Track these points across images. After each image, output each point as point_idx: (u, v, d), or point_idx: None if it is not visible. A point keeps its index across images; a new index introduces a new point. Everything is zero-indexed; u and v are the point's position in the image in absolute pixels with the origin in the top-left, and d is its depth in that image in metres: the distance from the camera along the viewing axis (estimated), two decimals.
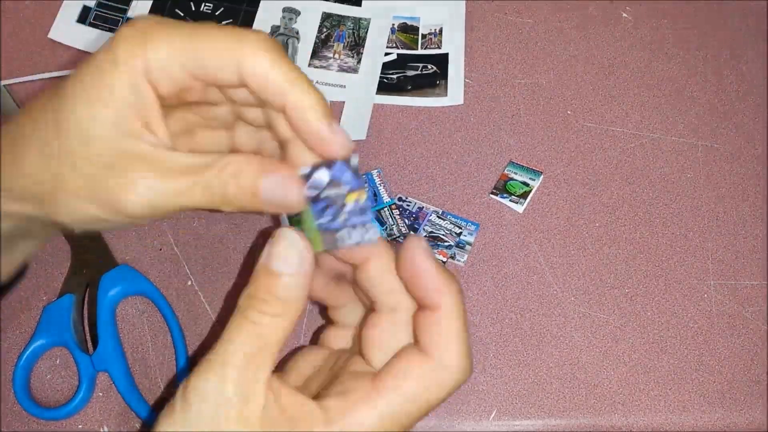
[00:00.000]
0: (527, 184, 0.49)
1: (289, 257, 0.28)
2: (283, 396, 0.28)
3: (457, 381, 0.28)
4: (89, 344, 0.43)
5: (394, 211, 0.47)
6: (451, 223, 0.47)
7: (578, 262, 0.47)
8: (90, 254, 0.45)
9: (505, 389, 0.43)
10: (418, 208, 0.48)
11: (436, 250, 0.46)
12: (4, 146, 0.30)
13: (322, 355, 0.33)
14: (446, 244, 0.47)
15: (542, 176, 0.49)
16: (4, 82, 0.51)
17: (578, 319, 0.45)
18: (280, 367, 0.33)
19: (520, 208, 0.48)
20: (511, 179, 0.49)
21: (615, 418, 0.43)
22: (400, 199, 0.48)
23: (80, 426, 0.42)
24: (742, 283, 0.46)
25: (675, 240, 0.48)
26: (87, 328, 0.44)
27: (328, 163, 0.29)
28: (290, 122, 0.29)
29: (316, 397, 0.29)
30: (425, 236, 0.47)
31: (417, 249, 0.29)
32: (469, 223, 0.47)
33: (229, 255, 0.47)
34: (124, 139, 0.28)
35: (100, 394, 0.43)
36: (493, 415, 0.43)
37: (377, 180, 0.48)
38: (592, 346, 0.45)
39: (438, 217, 0.48)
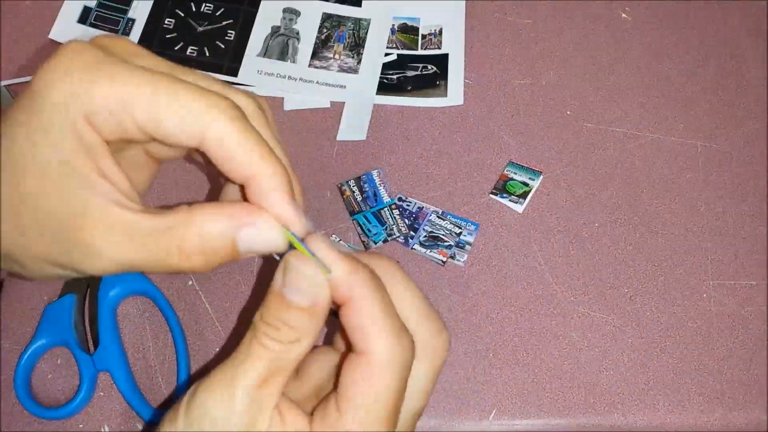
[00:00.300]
0: (527, 184, 0.49)
1: (303, 289, 0.26)
2: (287, 419, 0.26)
3: (403, 359, 0.27)
4: (90, 344, 0.43)
5: (394, 211, 0.47)
6: (451, 223, 0.47)
7: (578, 262, 0.47)
8: None
9: (505, 389, 0.43)
10: (418, 208, 0.48)
11: (436, 250, 0.46)
12: None
13: (333, 360, 0.32)
14: (446, 244, 0.47)
15: (542, 176, 0.49)
16: (5, 82, 0.51)
17: (578, 319, 0.45)
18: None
19: (519, 208, 0.48)
20: (511, 179, 0.49)
21: (615, 418, 0.43)
22: (400, 199, 0.48)
23: (81, 426, 0.42)
24: (742, 283, 0.47)
25: (674, 240, 0.48)
26: (88, 328, 0.44)
27: None
28: (250, 193, 0.27)
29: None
30: (425, 236, 0.47)
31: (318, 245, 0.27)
32: (469, 223, 0.48)
33: None
34: (77, 190, 0.25)
35: (101, 393, 0.43)
36: (493, 414, 0.43)
37: (377, 180, 0.49)
38: (592, 346, 0.45)
39: (438, 217, 0.48)
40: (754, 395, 0.44)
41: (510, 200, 0.48)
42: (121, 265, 0.26)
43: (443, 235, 0.47)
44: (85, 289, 0.44)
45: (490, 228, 0.48)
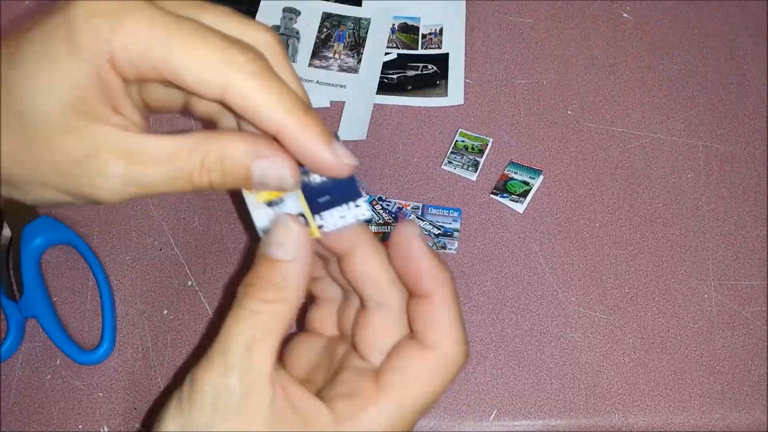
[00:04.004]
0: (527, 183, 0.49)
1: (286, 244, 0.27)
2: (291, 392, 0.27)
3: (458, 367, 0.28)
4: (16, 292, 0.44)
5: (375, 206, 0.47)
6: (432, 216, 0.47)
7: (578, 261, 0.47)
8: (11, 207, 0.45)
9: (505, 389, 0.43)
10: (398, 208, 0.48)
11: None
12: None
13: (319, 344, 0.32)
14: (435, 233, 0.46)
15: (542, 175, 0.49)
16: None
17: (578, 319, 0.45)
18: (280, 359, 0.32)
19: (520, 208, 0.48)
20: (512, 179, 0.49)
21: (615, 418, 0.43)
22: (380, 198, 0.48)
23: (81, 426, 0.42)
24: (743, 283, 0.46)
25: (675, 240, 0.48)
26: (13, 278, 0.44)
27: None
28: (285, 144, 0.27)
29: (321, 395, 0.28)
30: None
31: (411, 236, 0.28)
32: (451, 210, 0.47)
33: (229, 255, 0.46)
34: (88, 124, 0.26)
35: (101, 394, 0.43)
36: (493, 415, 0.43)
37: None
38: (593, 346, 0.45)
39: (417, 218, 0.47)
40: (756, 396, 0.43)
41: (510, 200, 0.48)
42: (132, 185, 0.26)
43: (427, 231, 0.47)
44: (8, 242, 0.45)
45: (490, 228, 0.48)
